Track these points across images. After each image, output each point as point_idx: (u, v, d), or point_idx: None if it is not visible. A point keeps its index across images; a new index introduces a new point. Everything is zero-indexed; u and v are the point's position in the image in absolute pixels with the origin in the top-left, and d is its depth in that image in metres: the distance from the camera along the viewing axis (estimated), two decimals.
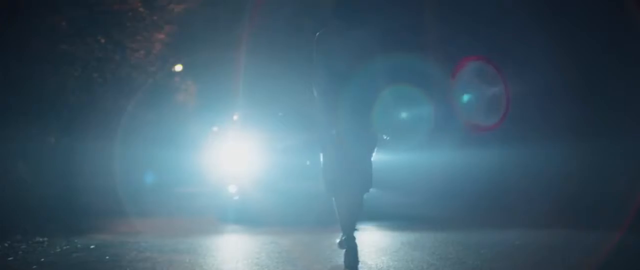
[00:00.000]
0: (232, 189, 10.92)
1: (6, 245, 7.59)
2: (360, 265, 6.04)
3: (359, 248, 6.11)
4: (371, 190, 6.33)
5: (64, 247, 7.58)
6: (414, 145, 15.48)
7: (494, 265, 6.23)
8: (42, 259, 6.71)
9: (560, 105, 12.94)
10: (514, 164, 13.72)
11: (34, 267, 6.32)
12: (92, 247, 7.58)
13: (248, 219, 10.25)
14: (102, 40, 12.22)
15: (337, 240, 6.23)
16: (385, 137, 6.33)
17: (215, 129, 21.58)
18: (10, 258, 6.81)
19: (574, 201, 11.17)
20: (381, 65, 6.18)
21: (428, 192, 15.34)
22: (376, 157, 6.40)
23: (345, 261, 5.98)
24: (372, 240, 8.12)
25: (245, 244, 8.04)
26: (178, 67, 22.12)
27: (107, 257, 6.80)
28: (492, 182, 13.84)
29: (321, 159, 6.37)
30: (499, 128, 14.41)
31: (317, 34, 6.25)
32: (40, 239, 8.05)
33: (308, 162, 10.85)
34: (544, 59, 12.96)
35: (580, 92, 12.48)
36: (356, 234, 6.17)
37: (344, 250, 6.05)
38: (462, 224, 10.18)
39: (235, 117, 12.74)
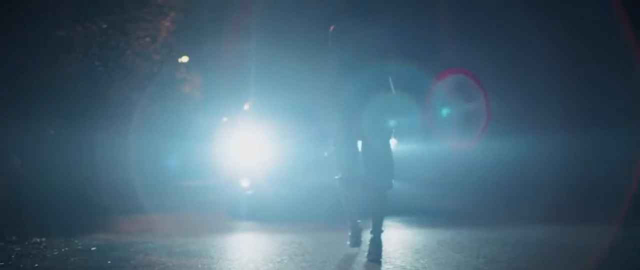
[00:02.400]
0: (244, 182, 10.12)
1: None
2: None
3: (389, 247, 6.22)
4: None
5: (63, 249, 6.84)
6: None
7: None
8: (36, 265, 5.94)
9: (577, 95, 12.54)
10: (529, 155, 13.23)
11: None
12: (93, 249, 6.82)
13: (263, 215, 9.47)
14: (104, 26, 11.43)
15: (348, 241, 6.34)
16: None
17: (225, 119, 20.85)
18: (1, 263, 6.05)
19: (602, 194, 10.50)
20: (394, 61, 6.16)
21: (445, 184, 14.60)
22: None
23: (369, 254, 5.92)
24: (403, 239, 7.36)
25: (263, 245, 7.26)
26: (184, 59, 21.42)
27: (109, 262, 6.03)
28: (509, 175, 13.33)
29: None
30: (513, 119, 13.99)
31: (331, 29, 6.13)
32: (38, 240, 7.32)
33: (326, 154, 10.05)
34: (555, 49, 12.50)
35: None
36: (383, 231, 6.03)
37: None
38: (493, 220, 9.42)
39: (246, 107, 11.98)
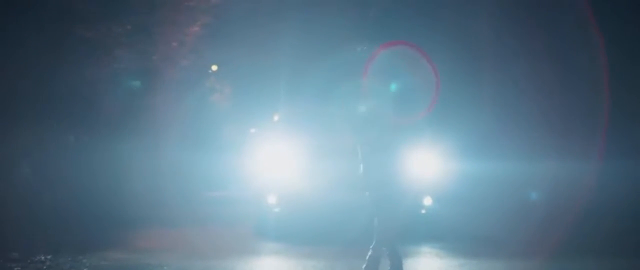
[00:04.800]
0: (271, 199, 9.38)
1: None
2: None
3: None
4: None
5: None
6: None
7: None
8: None
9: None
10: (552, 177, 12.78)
11: None
12: None
13: (291, 236, 8.68)
14: (128, 27, 10.78)
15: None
16: None
17: (252, 130, 20.27)
18: None
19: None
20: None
21: (473, 205, 13.82)
22: None
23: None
24: None
25: None
26: (213, 67, 20.90)
27: None
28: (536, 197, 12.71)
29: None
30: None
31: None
32: (42, 258, 6.65)
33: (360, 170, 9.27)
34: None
35: None
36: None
37: None
38: (536, 249, 8.52)
39: (275, 118, 11.31)
